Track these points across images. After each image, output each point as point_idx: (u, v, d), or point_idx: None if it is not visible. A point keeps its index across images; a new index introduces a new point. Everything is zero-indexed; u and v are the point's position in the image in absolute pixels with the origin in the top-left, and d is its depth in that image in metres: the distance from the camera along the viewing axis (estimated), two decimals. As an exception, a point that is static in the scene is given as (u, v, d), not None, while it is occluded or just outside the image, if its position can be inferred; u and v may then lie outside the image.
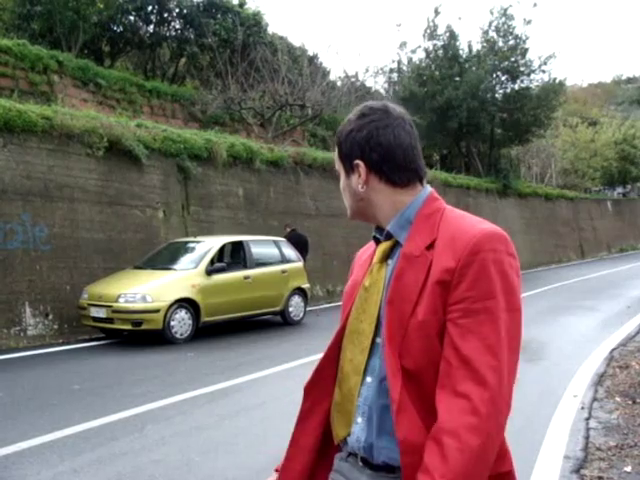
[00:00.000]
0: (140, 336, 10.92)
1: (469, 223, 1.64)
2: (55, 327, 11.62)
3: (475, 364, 1.51)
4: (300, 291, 13.38)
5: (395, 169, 1.73)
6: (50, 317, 11.57)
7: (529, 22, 29.62)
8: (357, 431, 1.71)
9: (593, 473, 4.88)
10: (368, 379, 1.69)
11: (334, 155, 1.84)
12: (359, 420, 1.70)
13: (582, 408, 6.65)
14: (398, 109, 1.82)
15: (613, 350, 9.72)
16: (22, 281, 11.22)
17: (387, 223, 1.74)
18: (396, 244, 1.72)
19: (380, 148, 1.72)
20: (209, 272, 11.63)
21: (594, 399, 7.05)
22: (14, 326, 11.00)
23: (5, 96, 13.65)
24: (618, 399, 6.96)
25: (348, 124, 1.79)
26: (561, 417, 6.33)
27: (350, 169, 1.77)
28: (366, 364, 1.69)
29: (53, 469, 5.03)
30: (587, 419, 6.29)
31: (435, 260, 1.59)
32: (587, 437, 5.74)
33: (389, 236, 1.74)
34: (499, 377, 1.51)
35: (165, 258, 12.34)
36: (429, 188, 1.76)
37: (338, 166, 1.82)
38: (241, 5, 24.12)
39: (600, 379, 7.98)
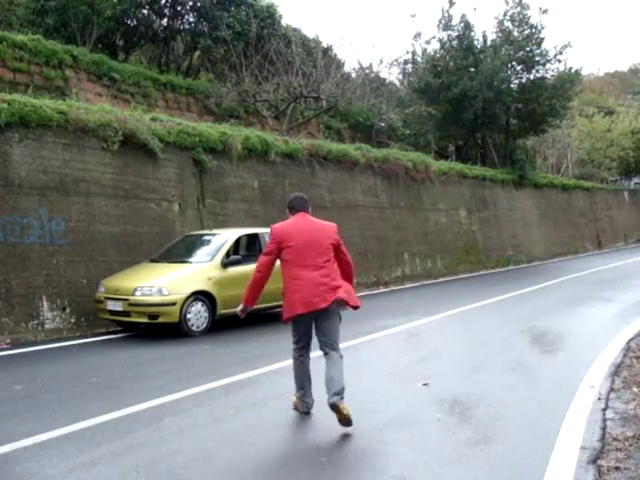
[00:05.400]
0: (156, 329, 10.98)
1: None
2: (72, 321, 11.70)
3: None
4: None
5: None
6: (67, 311, 11.65)
7: (545, 11, 29.33)
8: None
9: (610, 463, 4.87)
10: None
11: None
12: None
13: (599, 399, 6.63)
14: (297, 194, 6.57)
15: (630, 340, 9.67)
16: (39, 275, 11.30)
17: None
18: None
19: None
20: (225, 265, 11.66)
21: (611, 389, 7.02)
22: (32, 320, 11.09)
23: (20, 91, 13.74)
24: (635, 389, 6.94)
25: None
26: (578, 407, 6.31)
27: None
28: None
29: (72, 461, 5.07)
30: (604, 409, 6.27)
31: None
32: (604, 427, 5.73)
33: None
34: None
35: (181, 251, 12.38)
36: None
37: None
38: (254, -3, 24.09)
39: (617, 370, 7.95)
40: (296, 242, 5.93)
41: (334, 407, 5.67)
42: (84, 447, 5.38)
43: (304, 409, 6.23)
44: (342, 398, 5.69)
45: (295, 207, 6.22)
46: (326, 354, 5.96)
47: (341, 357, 5.98)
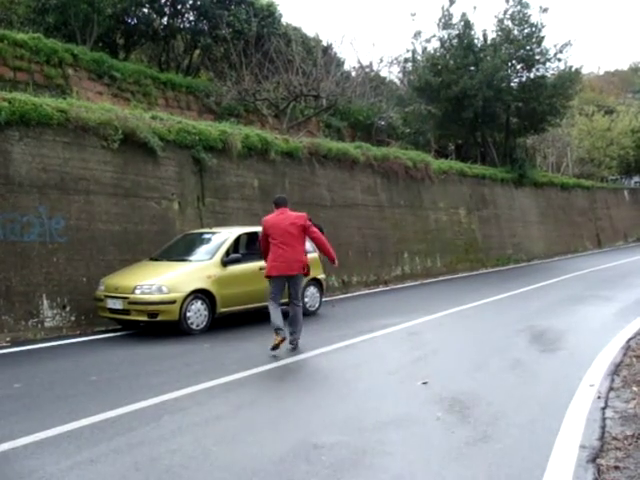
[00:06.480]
0: (156, 327, 10.98)
1: None
2: (72, 319, 11.70)
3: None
4: (315, 282, 13.34)
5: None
6: (67, 309, 11.65)
7: (545, 10, 29.29)
8: None
9: (609, 463, 4.87)
10: None
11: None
12: None
13: (598, 397, 6.63)
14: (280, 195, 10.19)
15: (630, 340, 9.67)
16: (39, 273, 11.30)
17: None
18: None
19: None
20: (225, 263, 11.66)
21: (610, 388, 7.02)
22: (32, 318, 11.09)
23: (21, 90, 13.72)
24: (635, 389, 6.93)
25: None
26: (577, 406, 6.31)
27: None
28: None
29: (71, 459, 5.07)
30: (603, 408, 6.27)
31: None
32: (603, 426, 5.73)
33: None
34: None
35: (181, 249, 12.38)
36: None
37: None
38: (254, -4, 24.05)
39: (617, 369, 7.95)
40: (276, 230, 9.20)
41: (292, 341, 9.26)
42: (83, 445, 5.38)
43: (282, 336, 8.99)
44: (298, 334, 9.33)
45: (278, 203, 9.56)
46: (291, 304, 9.40)
47: (300, 307, 9.51)
